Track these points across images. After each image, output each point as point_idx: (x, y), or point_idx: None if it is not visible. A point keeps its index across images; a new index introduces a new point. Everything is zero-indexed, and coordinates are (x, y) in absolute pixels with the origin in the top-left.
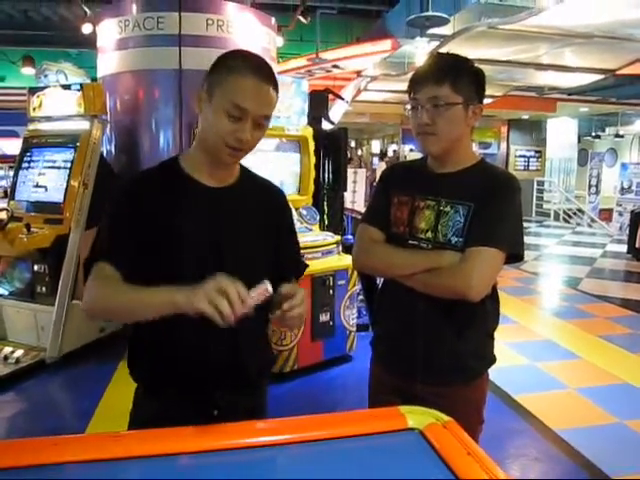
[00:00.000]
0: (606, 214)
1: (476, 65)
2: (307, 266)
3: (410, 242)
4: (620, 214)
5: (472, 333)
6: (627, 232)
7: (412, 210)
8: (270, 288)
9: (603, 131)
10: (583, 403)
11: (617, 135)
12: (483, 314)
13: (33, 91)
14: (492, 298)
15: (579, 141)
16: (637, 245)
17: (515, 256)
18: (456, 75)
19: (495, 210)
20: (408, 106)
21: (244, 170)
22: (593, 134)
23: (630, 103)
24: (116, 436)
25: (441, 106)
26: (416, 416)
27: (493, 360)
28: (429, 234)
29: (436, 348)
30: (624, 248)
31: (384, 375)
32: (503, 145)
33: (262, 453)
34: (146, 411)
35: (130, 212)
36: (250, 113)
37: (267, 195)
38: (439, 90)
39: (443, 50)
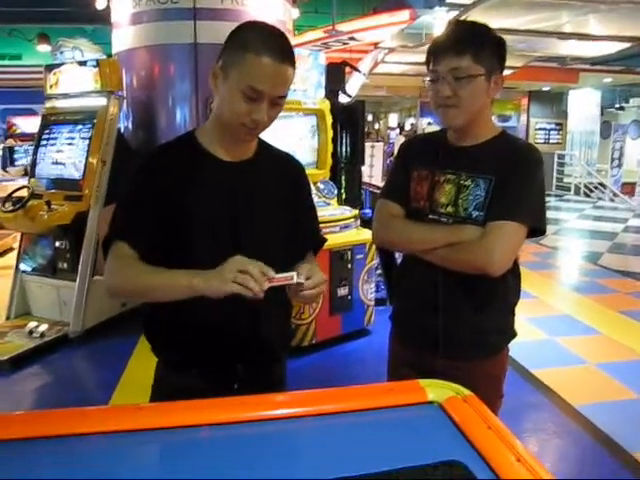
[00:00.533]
0: (629, 188)
1: (497, 33)
2: (326, 240)
3: (430, 217)
4: None
5: (493, 308)
6: None
7: (432, 184)
8: (297, 278)
9: (627, 102)
10: (602, 378)
11: None
12: (504, 289)
13: (49, 68)
14: (513, 273)
15: (602, 113)
16: None
17: (537, 230)
18: (478, 45)
19: (517, 183)
20: (427, 78)
21: (262, 143)
22: (617, 105)
23: None
24: (138, 408)
25: (463, 78)
26: (436, 389)
27: (514, 335)
28: (449, 208)
29: (457, 323)
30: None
31: (403, 349)
32: (523, 118)
33: (281, 425)
34: (168, 384)
35: (147, 188)
36: (266, 95)
37: (285, 168)
38: (460, 61)
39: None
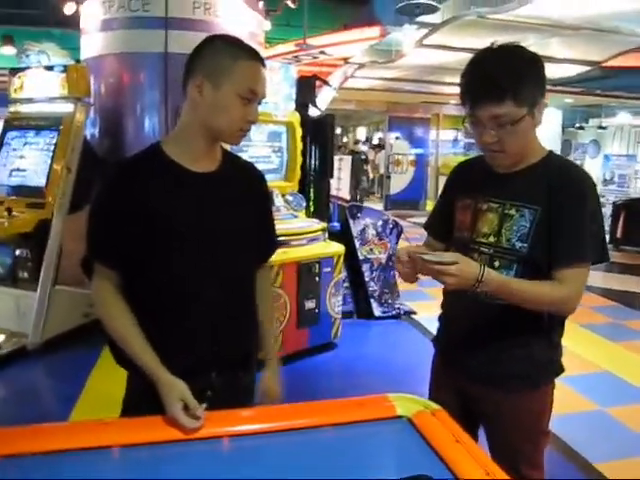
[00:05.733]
0: None
1: (534, 53)
2: (278, 246)
3: (471, 246)
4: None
5: (535, 339)
6: (609, 223)
7: (475, 213)
8: None
9: (587, 122)
10: (565, 391)
11: (600, 127)
12: (546, 323)
13: (14, 72)
14: None
15: (563, 132)
16: (618, 235)
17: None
18: (517, 85)
19: (575, 219)
20: (467, 119)
21: (226, 153)
22: (577, 125)
23: (614, 95)
24: (100, 424)
25: (506, 124)
26: (405, 404)
27: (557, 370)
28: (491, 239)
29: (494, 353)
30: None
31: (444, 373)
32: None
33: (251, 441)
34: (140, 396)
35: (119, 205)
36: (259, 95)
37: (250, 177)
38: (500, 109)
39: (431, 39)
